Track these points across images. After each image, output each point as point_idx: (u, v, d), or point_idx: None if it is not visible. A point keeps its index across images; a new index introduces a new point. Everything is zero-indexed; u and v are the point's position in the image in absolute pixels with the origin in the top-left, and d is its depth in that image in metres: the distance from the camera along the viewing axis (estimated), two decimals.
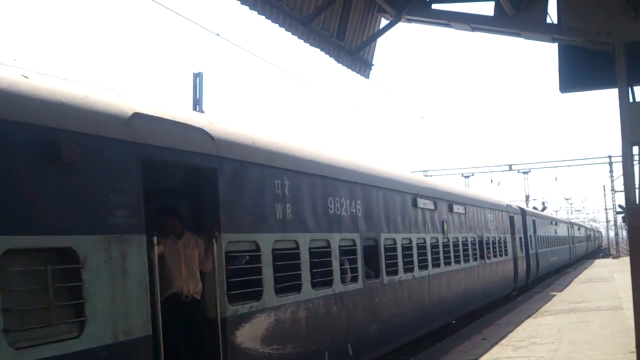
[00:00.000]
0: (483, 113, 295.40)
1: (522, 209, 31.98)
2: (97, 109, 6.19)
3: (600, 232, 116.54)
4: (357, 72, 12.00)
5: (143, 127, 6.64)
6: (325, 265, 10.48)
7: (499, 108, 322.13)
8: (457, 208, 18.84)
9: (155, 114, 6.97)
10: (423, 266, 15.30)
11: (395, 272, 13.47)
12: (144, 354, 6.31)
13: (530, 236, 32.23)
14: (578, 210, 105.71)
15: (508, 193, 67.89)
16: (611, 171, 64.92)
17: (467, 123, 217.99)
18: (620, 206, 43.76)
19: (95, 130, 6.04)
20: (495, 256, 23.41)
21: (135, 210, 6.34)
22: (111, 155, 6.17)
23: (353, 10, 11.05)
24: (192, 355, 7.32)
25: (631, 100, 9.70)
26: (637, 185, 9.68)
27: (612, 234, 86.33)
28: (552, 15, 10.19)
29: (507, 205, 28.29)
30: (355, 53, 11.55)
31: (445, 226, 17.44)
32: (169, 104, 7.85)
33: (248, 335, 8.08)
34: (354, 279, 11.43)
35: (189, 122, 7.55)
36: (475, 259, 20.53)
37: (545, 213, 51.22)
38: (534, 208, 54.08)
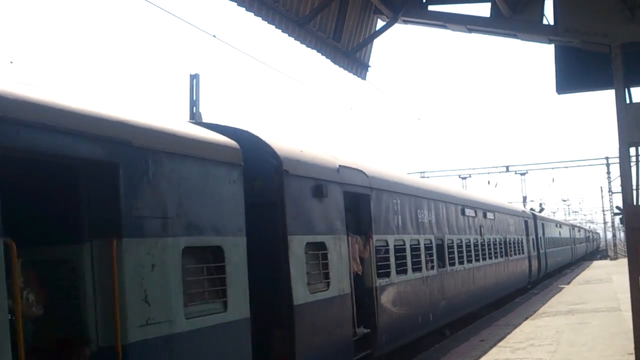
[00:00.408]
0: (480, 114, 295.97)
1: (533, 214, 37.49)
2: (326, 165, 11.16)
3: (598, 234, 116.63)
4: (353, 74, 11.98)
5: (344, 173, 11.69)
6: (417, 256, 15.09)
7: (496, 109, 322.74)
8: (489, 215, 23.72)
9: (346, 165, 11.96)
10: (469, 260, 19.97)
11: (454, 264, 18.26)
12: (349, 302, 11.17)
13: (540, 238, 36.74)
14: (575, 212, 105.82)
15: (505, 194, 67.74)
16: (608, 172, 64.99)
17: (464, 124, 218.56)
18: (617, 207, 43.86)
19: (330, 177, 11.02)
20: (515, 254, 28.15)
21: (343, 220, 11.26)
22: (334, 191, 11.00)
23: (349, 12, 11.02)
24: (361, 304, 11.78)
25: (628, 101, 9.67)
26: (634, 187, 9.67)
27: (609, 235, 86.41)
28: (549, 17, 10.17)
29: (522, 211, 34.32)
30: (351, 54, 11.53)
31: (481, 229, 22.18)
32: (347, 155, 12.99)
33: (385, 298, 12.89)
34: (432, 267, 16.10)
35: (358, 168, 12.56)
36: (502, 256, 25.18)
37: (550, 216, 57.10)
38: (531, 209, 54.22)
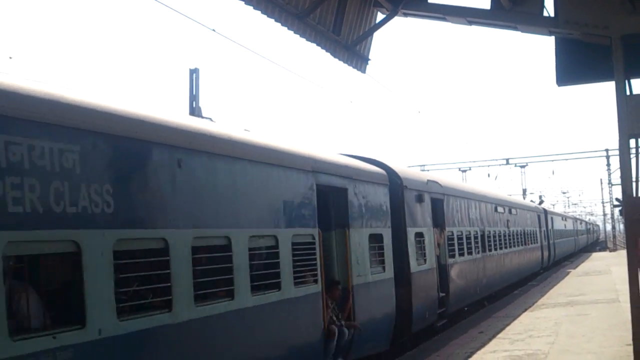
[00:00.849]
0: (480, 107, 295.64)
1: (544, 209, 43.76)
2: (422, 180, 16.92)
3: (598, 226, 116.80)
4: (353, 67, 11.95)
5: (430, 185, 17.04)
6: (470, 243, 20.62)
7: (495, 102, 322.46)
8: (513, 211, 29.52)
9: (431, 179, 17.57)
10: (500, 247, 25.46)
11: (491, 250, 23.75)
12: (435, 274, 16.45)
13: (550, 230, 42.64)
14: (575, 204, 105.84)
15: (505, 187, 67.76)
16: (608, 164, 64.94)
17: (464, 117, 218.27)
18: (617, 199, 43.92)
19: (424, 189, 16.34)
20: (532, 243, 34.08)
21: (430, 217, 16.48)
22: (426, 197, 16.17)
23: (349, 5, 10.99)
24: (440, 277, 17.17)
25: (628, 93, 9.67)
26: (634, 179, 9.68)
27: (609, 227, 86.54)
28: (549, 8, 10.15)
29: (535, 207, 40.88)
30: (351, 48, 11.50)
31: (508, 223, 27.57)
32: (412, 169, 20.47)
33: (452, 272, 18.17)
34: (478, 252, 21.70)
35: (436, 180, 18.10)
36: (522, 245, 30.89)
37: (557, 211, 65.78)
38: (531, 201, 54.52)
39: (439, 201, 17.68)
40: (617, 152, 9.92)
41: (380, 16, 11.72)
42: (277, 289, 9.26)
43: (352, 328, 11.40)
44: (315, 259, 10.49)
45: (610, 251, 69.11)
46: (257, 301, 8.68)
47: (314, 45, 10.59)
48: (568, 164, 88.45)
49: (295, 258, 9.80)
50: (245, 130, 10.04)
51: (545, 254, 38.93)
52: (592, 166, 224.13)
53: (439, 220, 17.54)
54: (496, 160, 63.04)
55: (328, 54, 11.05)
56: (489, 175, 63.17)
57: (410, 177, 15.77)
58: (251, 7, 9.08)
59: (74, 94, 6.59)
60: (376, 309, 12.81)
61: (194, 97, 10.73)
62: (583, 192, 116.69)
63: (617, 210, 60.02)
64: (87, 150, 6.28)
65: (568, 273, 36.88)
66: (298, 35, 10.19)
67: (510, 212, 28.47)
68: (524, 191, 66.65)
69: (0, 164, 5.42)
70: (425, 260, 15.82)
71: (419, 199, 15.76)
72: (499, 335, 15.83)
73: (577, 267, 42.75)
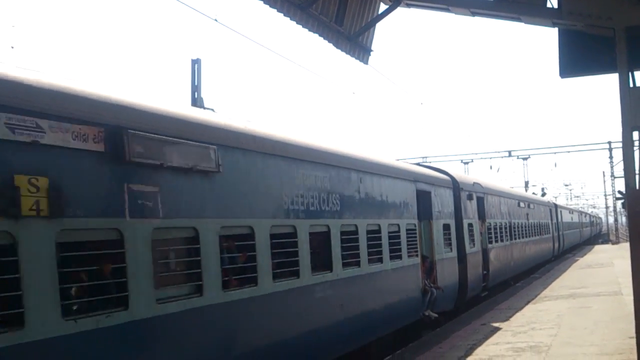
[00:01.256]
0: (482, 99, 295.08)
1: (555, 204, 48.80)
2: (471, 182, 22.12)
3: (600, 218, 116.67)
4: (356, 58, 11.92)
5: (475, 186, 22.24)
6: (501, 232, 25.66)
7: (498, 94, 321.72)
8: (531, 205, 34.92)
9: (476, 181, 22.88)
10: (522, 236, 30.46)
11: (515, 238, 28.51)
12: (481, 255, 21.99)
13: (560, 222, 47.70)
14: (577, 197, 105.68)
15: (507, 179, 67.66)
16: (611, 157, 64.87)
17: (467, 109, 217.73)
18: (620, 192, 43.83)
19: (472, 189, 21.72)
20: (545, 234, 39.26)
21: (476, 211, 21.81)
22: (473, 196, 21.50)
23: None
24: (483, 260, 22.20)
25: (631, 85, 9.63)
26: (637, 171, 9.64)
27: (611, 219, 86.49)
28: (552, 0, 10.10)
29: (548, 202, 45.83)
30: (354, 38, 11.47)
31: (527, 216, 32.78)
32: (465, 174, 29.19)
33: (491, 255, 22.97)
34: (508, 240, 26.74)
35: (479, 182, 23.13)
36: (538, 235, 36.03)
37: (565, 204, 70.46)
38: (533, 193, 54.54)
39: (481, 199, 22.75)
40: (620, 145, 9.87)
41: (383, 7, 11.68)
42: (399, 258, 14.25)
43: (436, 289, 16.34)
44: (416, 240, 15.44)
45: (613, 244, 69.07)
46: (393, 265, 13.85)
47: (316, 35, 10.56)
48: (570, 156, 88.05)
49: (408, 238, 14.85)
50: (248, 121, 10.02)
51: (556, 243, 44.15)
52: (595, 158, 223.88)
53: (481, 214, 22.58)
54: (499, 152, 63.04)
55: (331, 44, 11.02)
56: (491, 167, 63.12)
57: (464, 181, 20.84)
58: None
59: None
60: (448, 278, 17.83)
61: (195, 88, 10.70)
62: (585, 185, 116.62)
63: (619, 203, 59.93)
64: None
65: (570, 265, 36.89)
66: (300, 26, 10.16)
67: (529, 206, 33.67)
68: (526, 183, 66.59)
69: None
70: (474, 244, 20.94)
71: (469, 197, 20.90)
72: (502, 328, 15.83)
73: (579, 259, 42.76)
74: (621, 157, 9.94)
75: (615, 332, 13.83)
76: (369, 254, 12.45)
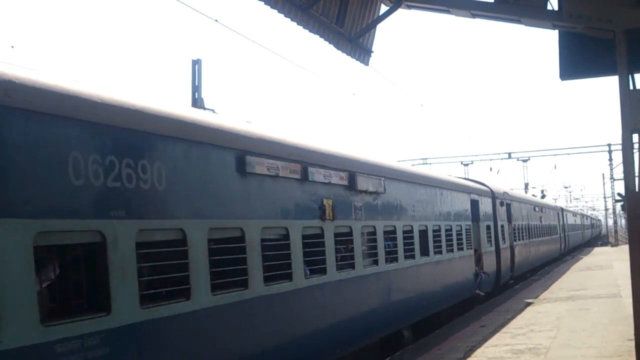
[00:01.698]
0: (483, 101, 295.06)
1: (561, 207, 53.83)
2: (502, 192, 27.94)
3: (600, 220, 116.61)
4: (356, 59, 11.92)
5: (505, 194, 27.85)
6: (522, 232, 30.97)
7: (498, 96, 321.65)
8: (543, 210, 40.52)
9: (504, 190, 28.49)
10: (536, 236, 35.63)
11: (531, 237, 33.73)
12: (510, 250, 27.73)
13: (565, 224, 52.50)
14: (577, 199, 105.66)
15: (507, 181, 67.79)
16: (610, 159, 64.79)
17: (467, 111, 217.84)
18: (619, 194, 43.86)
19: (503, 198, 27.53)
20: (554, 235, 44.85)
21: (505, 215, 27.18)
22: (504, 203, 27.09)
23: None
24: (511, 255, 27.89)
25: (631, 87, 9.63)
26: (637, 173, 9.65)
27: (610, 222, 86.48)
28: (553, 2, 10.10)
29: (555, 205, 52.50)
30: (354, 40, 11.47)
31: (541, 219, 38.20)
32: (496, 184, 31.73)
33: (516, 251, 28.49)
34: (527, 238, 32.29)
35: (507, 191, 29.44)
36: (548, 235, 41.59)
37: (569, 208, 75.04)
38: (533, 195, 54.70)
39: (508, 205, 27.82)
40: (620, 147, 9.87)
41: (383, 8, 11.69)
42: (462, 250, 19.59)
43: (484, 274, 21.72)
44: (471, 237, 20.88)
45: (612, 246, 69.04)
46: (458, 255, 19.07)
47: (317, 37, 10.57)
48: (570, 158, 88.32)
49: (467, 235, 20.29)
50: (248, 122, 10.04)
51: (562, 243, 49.51)
52: (594, 161, 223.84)
53: (508, 217, 27.39)
54: (498, 154, 63.02)
55: (331, 46, 11.02)
56: (491, 169, 63.05)
57: (497, 191, 26.06)
58: None
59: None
60: (489, 267, 23.04)
61: (196, 88, 10.71)
62: (585, 187, 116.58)
63: (619, 205, 59.91)
64: None
65: (570, 268, 36.90)
66: (301, 27, 10.16)
67: (541, 210, 39.40)
68: (526, 185, 66.55)
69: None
70: (505, 241, 25.98)
71: (501, 204, 26.03)
72: (501, 330, 15.83)
73: (578, 261, 42.76)
74: (621, 160, 9.94)
75: (614, 334, 13.83)
76: (447, 245, 18.05)
